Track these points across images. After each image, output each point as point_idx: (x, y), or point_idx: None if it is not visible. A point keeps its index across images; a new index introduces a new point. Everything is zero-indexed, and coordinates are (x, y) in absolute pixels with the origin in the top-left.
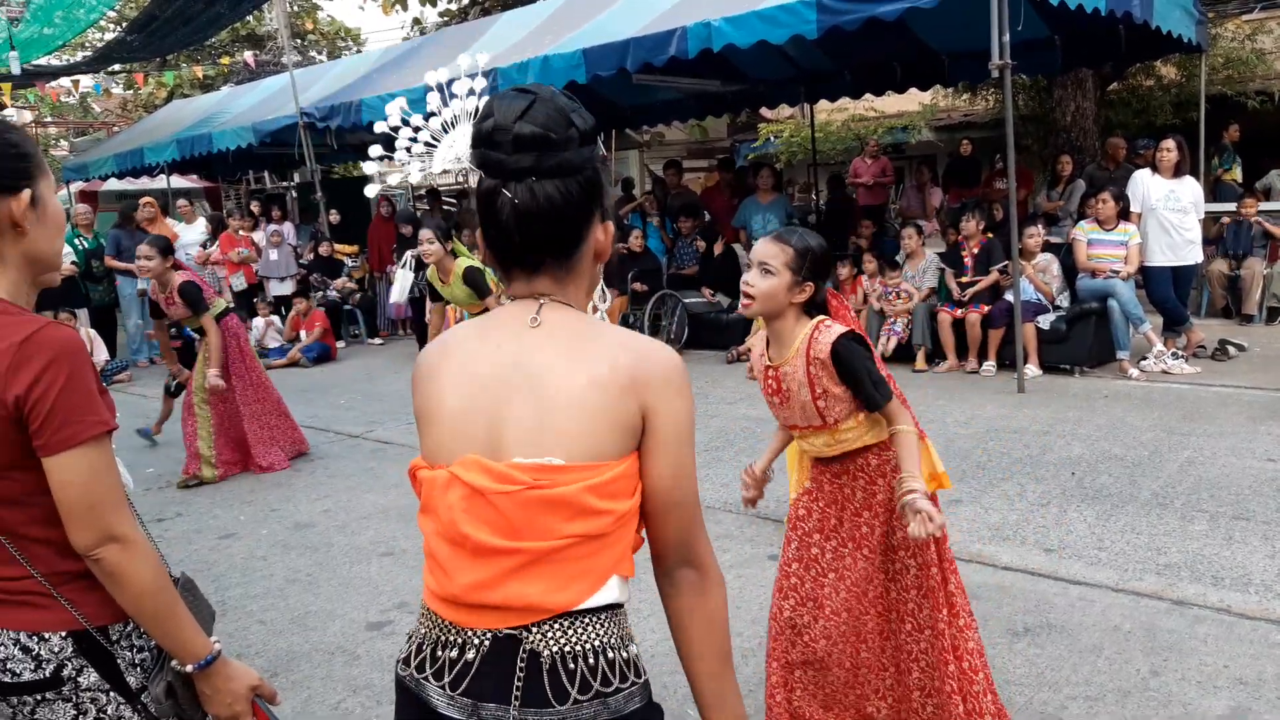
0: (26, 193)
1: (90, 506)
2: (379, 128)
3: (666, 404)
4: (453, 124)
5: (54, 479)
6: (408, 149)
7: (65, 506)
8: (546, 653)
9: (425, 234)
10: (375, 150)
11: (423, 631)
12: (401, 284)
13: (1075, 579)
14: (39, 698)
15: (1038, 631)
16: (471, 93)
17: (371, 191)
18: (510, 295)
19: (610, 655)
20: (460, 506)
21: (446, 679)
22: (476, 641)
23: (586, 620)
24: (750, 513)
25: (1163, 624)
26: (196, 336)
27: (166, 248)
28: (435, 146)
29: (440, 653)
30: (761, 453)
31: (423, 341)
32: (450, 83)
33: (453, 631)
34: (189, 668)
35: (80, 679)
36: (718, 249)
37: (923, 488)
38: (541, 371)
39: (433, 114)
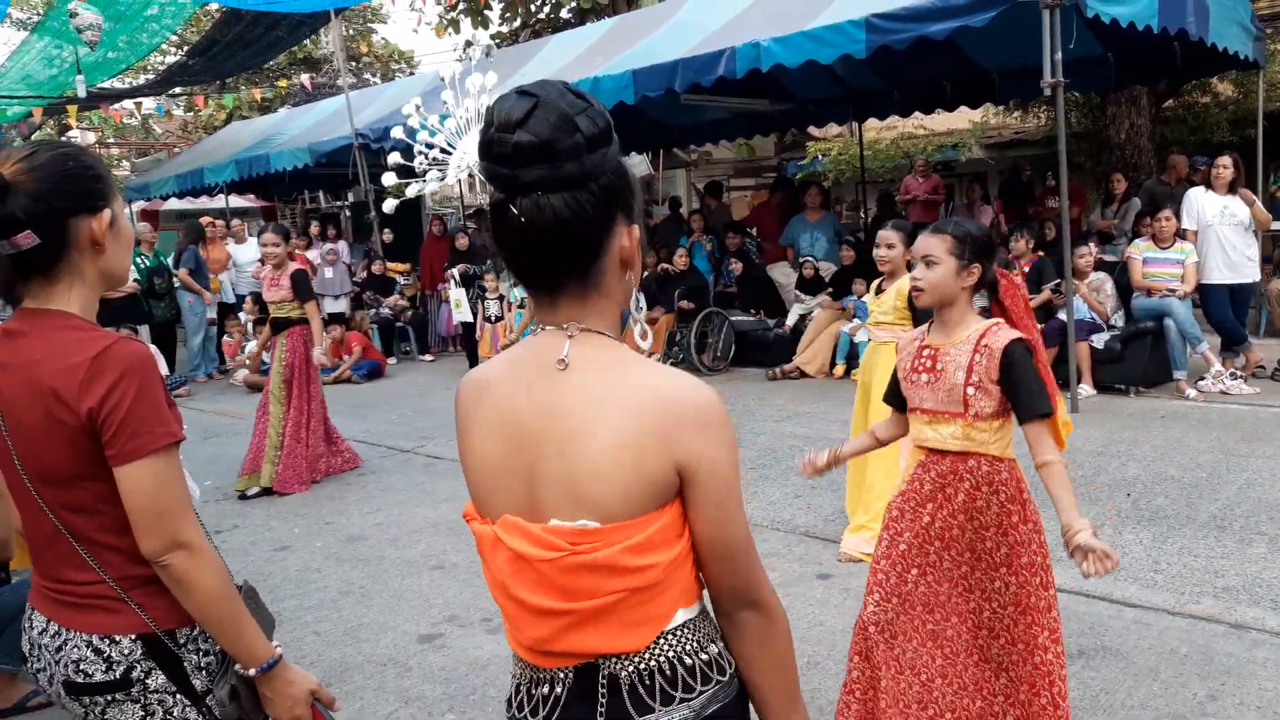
0: (107, 213)
1: (159, 514)
2: (395, 133)
3: (701, 454)
4: (465, 128)
5: (124, 487)
6: (424, 154)
7: (135, 514)
8: (624, 674)
9: None
10: (394, 159)
11: (518, 672)
12: (457, 299)
13: (1131, 601)
14: (109, 698)
15: (1092, 654)
16: (483, 90)
17: (389, 207)
18: (538, 321)
19: (689, 662)
20: (508, 570)
21: (542, 713)
22: (562, 676)
23: (660, 640)
24: (799, 531)
25: (1220, 648)
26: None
27: (288, 235)
28: (450, 153)
29: (534, 690)
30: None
31: (473, 359)
32: (463, 78)
33: (540, 670)
34: (252, 671)
35: (149, 681)
36: (736, 268)
37: (1090, 526)
38: (570, 428)
39: (447, 115)
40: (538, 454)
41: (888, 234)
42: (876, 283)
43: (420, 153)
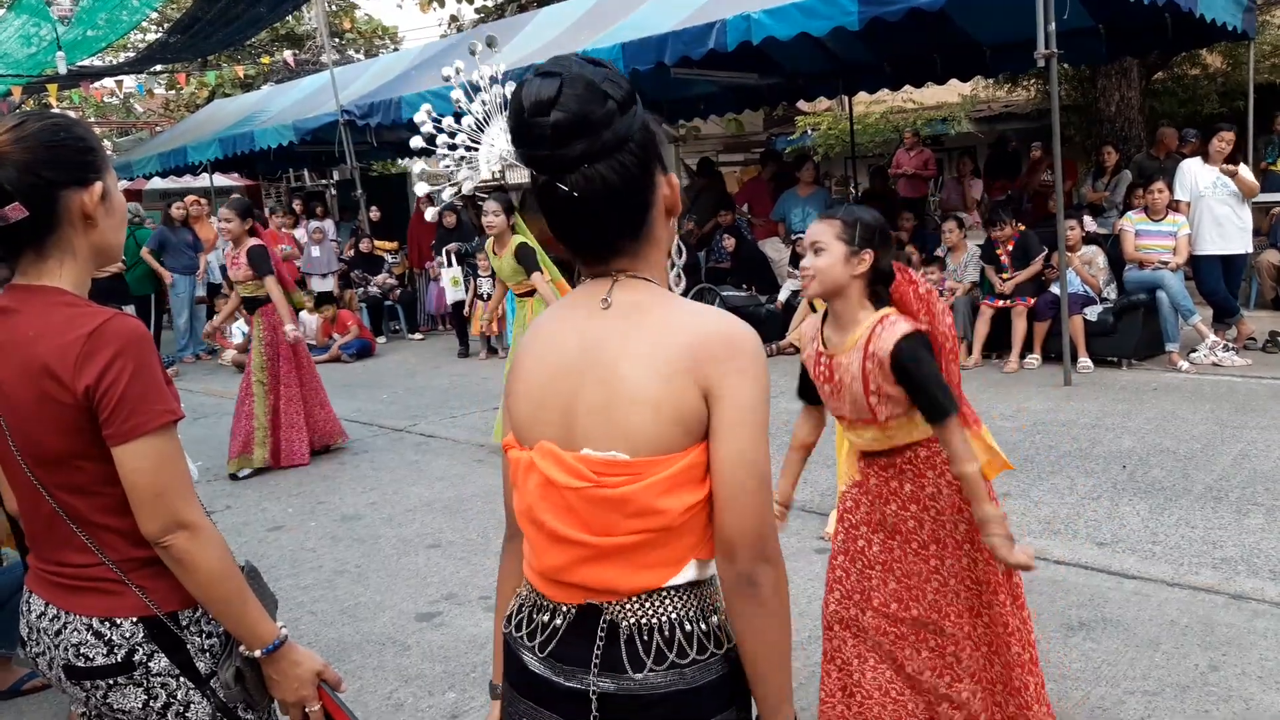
0: (98, 185)
1: (158, 494)
2: (414, 143)
3: (726, 383)
4: (485, 121)
5: (123, 467)
6: (448, 155)
7: (134, 494)
8: (625, 624)
9: (491, 205)
10: (416, 142)
11: (523, 594)
12: (454, 276)
13: (1130, 573)
14: (110, 682)
15: (1093, 626)
16: (494, 80)
17: (422, 190)
18: (588, 274)
19: (688, 628)
20: (537, 494)
21: (538, 640)
22: (565, 610)
23: (665, 595)
24: (795, 506)
25: (1220, 618)
26: (246, 316)
27: (246, 210)
28: (476, 149)
29: (535, 616)
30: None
31: (463, 337)
32: (470, 72)
33: (545, 598)
34: (256, 653)
35: (151, 664)
36: (728, 244)
37: (998, 517)
38: (609, 359)
39: (461, 114)
40: (577, 383)
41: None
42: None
43: (443, 155)
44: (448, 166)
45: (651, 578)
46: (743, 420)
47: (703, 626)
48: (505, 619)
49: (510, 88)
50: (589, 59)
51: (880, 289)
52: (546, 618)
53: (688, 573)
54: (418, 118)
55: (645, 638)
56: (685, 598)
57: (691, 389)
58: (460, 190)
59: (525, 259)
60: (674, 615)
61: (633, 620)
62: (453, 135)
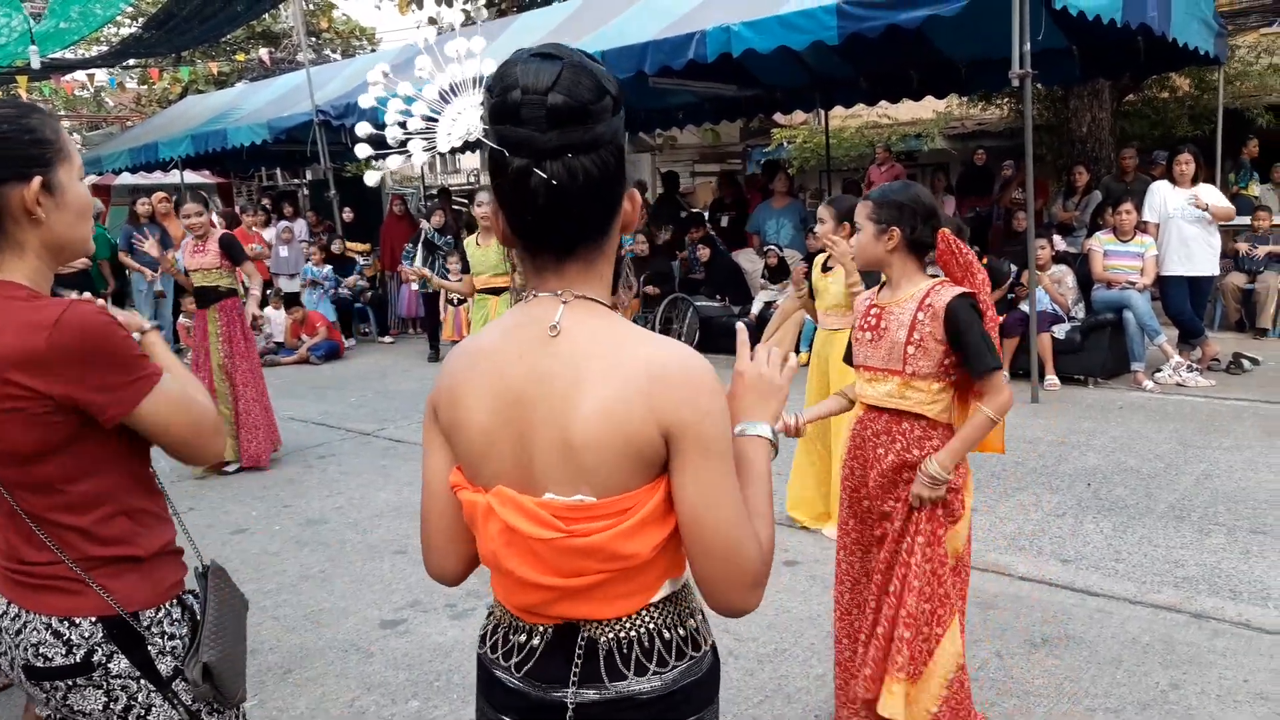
0: (36, 180)
1: (197, 432)
2: (363, 102)
3: (686, 421)
4: (452, 92)
5: (149, 427)
6: (401, 124)
7: (177, 443)
8: (603, 639)
9: (485, 196)
10: (363, 129)
11: (499, 614)
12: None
13: (1093, 590)
14: (70, 684)
15: (1056, 642)
16: (471, 54)
17: (372, 179)
18: (532, 286)
19: (666, 636)
20: (500, 541)
21: (514, 660)
22: (541, 630)
23: (643, 610)
24: None
25: (1181, 637)
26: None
27: (207, 202)
28: (435, 120)
29: (512, 636)
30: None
31: (434, 339)
32: (441, 44)
33: (521, 621)
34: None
35: (111, 665)
36: (702, 254)
37: (945, 471)
38: (561, 396)
39: (427, 82)
40: (529, 422)
41: (821, 210)
42: (822, 259)
43: (397, 123)
44: (396, 136)
45: (627, 605)
46: (707, 469)
47: (680, 632)
48: (480, 639)
49: (488, 64)
50: (584, 53)
51: (926, 257)
52: (523, 639)
53: (663, 591)
54: (370, 75)
55: (624, 651)
56: (663, 609)
57: (647, 424)
58: (410, 158)
59: None
60: (652, 626)
61: (611, 636)
62: (408, 102)
